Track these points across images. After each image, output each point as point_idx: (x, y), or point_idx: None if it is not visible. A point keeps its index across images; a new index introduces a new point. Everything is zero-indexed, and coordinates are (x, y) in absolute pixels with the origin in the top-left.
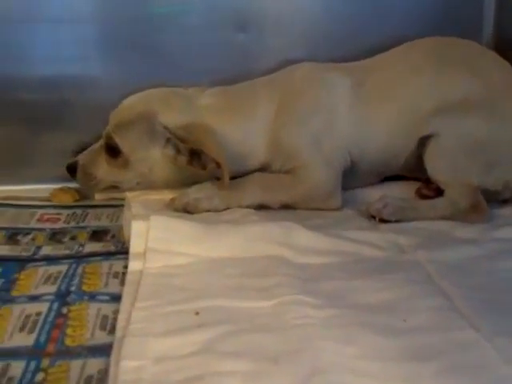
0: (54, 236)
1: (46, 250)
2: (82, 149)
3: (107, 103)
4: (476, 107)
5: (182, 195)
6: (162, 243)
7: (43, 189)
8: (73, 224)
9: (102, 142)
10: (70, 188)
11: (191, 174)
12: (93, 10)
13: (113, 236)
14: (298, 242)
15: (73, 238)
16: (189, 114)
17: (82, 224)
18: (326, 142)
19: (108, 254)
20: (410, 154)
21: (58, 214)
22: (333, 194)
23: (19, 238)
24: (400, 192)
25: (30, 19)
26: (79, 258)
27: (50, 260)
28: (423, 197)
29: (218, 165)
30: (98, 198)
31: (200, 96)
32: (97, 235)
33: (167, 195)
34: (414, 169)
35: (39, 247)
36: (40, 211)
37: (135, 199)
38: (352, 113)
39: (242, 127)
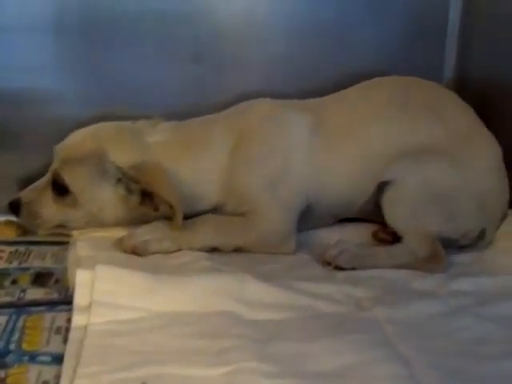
0: None
1: None
2: (29, 180)
3: (59, 122)
4: (437, 154)
5: (130, 236)
6: (108, 296)
7: None
8: (15, 264)
9: (48, 177)
10: (12, 222)
11: (142, 213)
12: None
13: (56, 281)
14: (252, 295)
15: (14, 282)
16: (140, 152)
17: (24, 265)
18: (281, 185)
19: (51, 304)
20: (368, 199)
21: (1, 250)
22: (287, 239)
23: None
24: (356, 234)
25: None
26: (20, 308)
27: None
28: (380, 240)
29: (171, 206)
30: (42, 233)
31: (151, 131)
32: (40, 279)
33: (115, 232)
34: (371, 213)
35: None
36: None
37: (81, 237)
38: (309, 154)
39: (195, 167)
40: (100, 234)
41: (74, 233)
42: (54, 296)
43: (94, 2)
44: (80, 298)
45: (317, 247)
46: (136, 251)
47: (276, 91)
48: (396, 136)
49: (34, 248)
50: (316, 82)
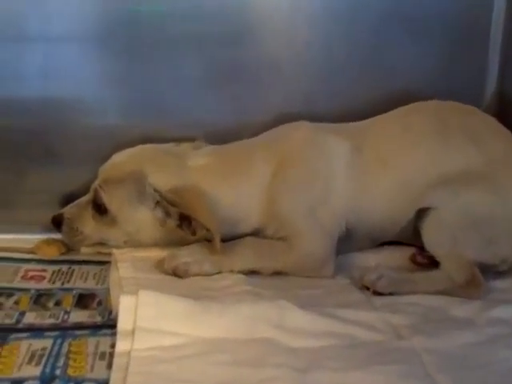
0: (39, 299)
1: (30, 318)
2: (70, 197)
3: (102, 134)
4: (476, 180)
5: (171, 258)
6: (151, 322)
7: (28, 239)
8: (58, 284)
9: (89, 195)
10: (55, 240)
11: (181, 235)
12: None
13: (99, 302)
14: (291, 323)
15: (58, 304)
16: (180, 176)
17: (67, 285)
18: (321, 211)
19: (94, 328)
20: (406, 224)
21: (43, 270)
22: (326, 263)
23: (2, 300)
24: (394, 258)
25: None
26: (64, 331)
27: (34, 331)
28: (418, 264)
29: (209, 231)
30: (85, 251)
31: (192, 155)
32: (83, 300)
33: (156, 252)
34: (409, 236)
35: (23, 313)
36: (24, 266)
37: (122, 257)
38: (349, 180)
39: (236, 191)
40: (140, 253)
41: (115, 252)
42: (98, 319)
43: (139, 19)
44: (124, 324)
45: (355, 270)
46: (177, 273)
47: (315, 111)
48: (435, 163)
49: (75, 267)
50: (354, 103)
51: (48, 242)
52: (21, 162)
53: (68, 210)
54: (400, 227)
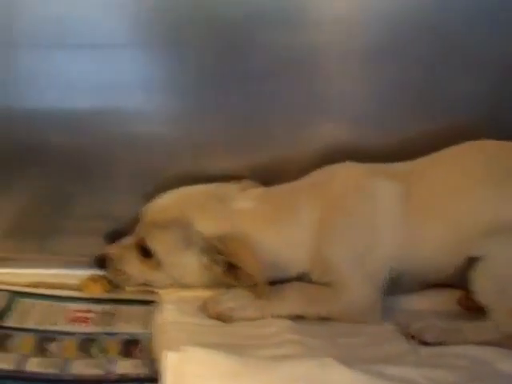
0: (84, 345)
1: (76, 367)
2: (116, 232)
3: (152, 145)
4: None
5: (215, 303)
6: (197, 380)
7: (73, 275)
8: (102, 328)
9: (134, 238)
10: (100, 276)
11: (226, 281)
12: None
13: (142, 350)
14: (337, 382)
15: (103, 351)
16: (226, 222)
17: (111, 329)
18: (368, 257)
19: (138, 381)
20: (455, 270)
21: (88, 310)
22: (372, 310)
23: (47, 346)
24: (441, 301)
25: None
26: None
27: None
28: (465, 307)
29: (255, 280)
30: (129, 289)
31: (238, 197)
32: (127, 347)
33: (202, 292)
34: (457, 281)
35: (68, 360)
36: (71, 306)
37: (168, 297)
38: (398, 227)
39: (282, 236)
40: (186, 293)
41: (161, 292)
42: (141, 370)
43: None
44: (169, 382)
45: (401, 315)
46: (220, 318)
47: (364, 149)
48: (489, 211)
49: (121, 308)
50: (405, 140)
51: (94, 278)
52: (65, 184)
53: (112, 251)
54: (448, 273)
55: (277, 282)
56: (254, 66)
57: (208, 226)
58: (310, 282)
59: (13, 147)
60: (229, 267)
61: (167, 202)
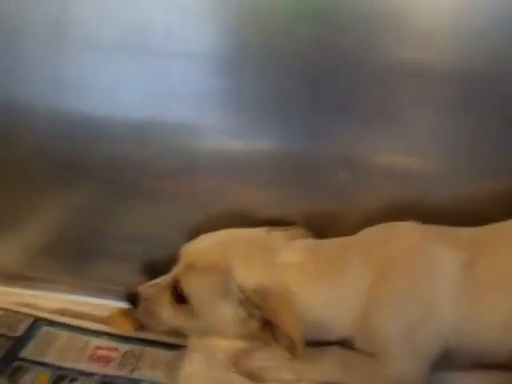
0: None
1: None
2: (154, 265)
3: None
4: None
5: (247, 359)
6: None
7: (104, 306)
8: (126, 371)
9: (169, 279)
10: (131, 312)
11: (261, 338)
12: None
13: None
14: None
15: None
16: (268, 274)
17: (135, 374)
18: (420, 333)
19: None
20: None
21: (114, 348)
22: None
23: None
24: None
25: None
26: None
27: None
28: None
29: (292, 341)
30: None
31: (284, 248)
32: None
33: (236, 342)
34: None
35: None
36: (95, 341)
37: (198, 345)
38: (457, 300)
39: (327, 295)
40: (218, 342)
41: (193, 338)
42: None
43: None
44: None
45: None
46: (251, 377)
47: (428, 209)
48: None
49: (147, 350)
50: (474, 203)
51: (125, 313)
52: (106, 202)
53: (146, 290)
54: (509, 355)
55: (316, 345)
56: None
57: (249, 276)
58: (351, 348)
59: (53, 159)
60: (266, 323)
61: (209, 245)
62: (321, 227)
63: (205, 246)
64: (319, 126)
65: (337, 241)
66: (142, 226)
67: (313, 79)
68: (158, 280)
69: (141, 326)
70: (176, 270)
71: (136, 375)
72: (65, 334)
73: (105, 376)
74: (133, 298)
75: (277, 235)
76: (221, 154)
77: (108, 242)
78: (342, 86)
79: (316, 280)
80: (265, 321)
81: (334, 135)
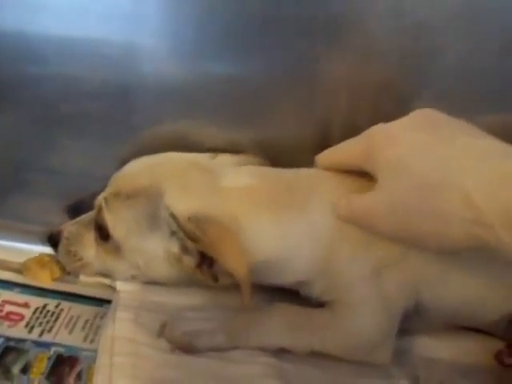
0: (3, 357)
1: None
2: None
3: None
4: None
5: (174, 326)
6: None
7: (19, 251)
8: (36, 333)
9: (94, 212)
10: (50, 259)
11: (198, 279)
12: None
13: (79, 376)
14: None
15: (25, 370)
16: (207, 200)
17: (46, 337)
18: (389, 276)
19: None
20: (502, 317)
21: (25, 304)
22: (381, 345)
23: None
24: (474, 351)
25: None
26: None
27: None
28: (503, 365)
29: (236, 279)
30: (84, 279)
31: (231, 173)
32: (58, 368)
33: (175, 297)
34: (500, 329)
35: None
36: (3, 295)
37: (127, 299)
38: None
39: (283, 229)
40: (153, 297)
41: (120, 290)
42: None
43: None
44: None
45: (420, 365)
46: (180, 346)
47: None
48: None
49: (65, 305)
50: None
51: (42, 261)
52: (38, 131)
53: (68, 228)
54: (491, 318)
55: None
56: None
57: (183, 201)
58: (305, 297)
59: None
60: (204, 260)
61: (137, 169)
62: (275, 158)
63: (133, 170)
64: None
65: (299, 170)
66: (67, 156)
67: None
68: (83, 216)
69: (62, 276)
70: (99, 199)
71: (47, 338)
72: None
73: (9, 339)
74: (53, 239)
75: (223, 159)
76: (161, 78)
77: (28, 176)
78: None
79: (270, 209)
80: (202, 257)
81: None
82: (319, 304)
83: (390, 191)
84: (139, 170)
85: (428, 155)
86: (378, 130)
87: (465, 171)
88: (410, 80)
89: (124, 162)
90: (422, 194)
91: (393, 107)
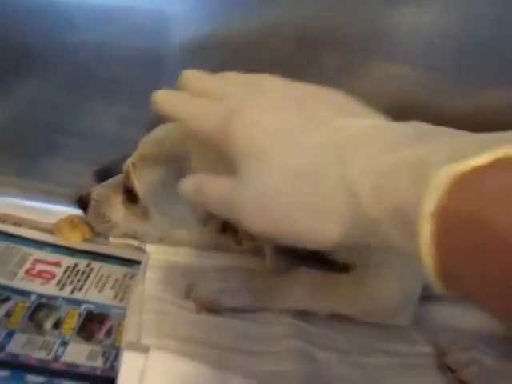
0: (36, 313)
1: (16, 345)
2: (109, 167)
3: None
4: None
5: (200, 286)
6: None
7: (51, 212)
8: (67, 291)
9: (122, 175)
10: (81, 220)
11: (224, 243)
12: None
13: (109, 332)
14: None
15: (57, 325)
16: None
17: (77, 295)
18: None
19: (90, 379)
20: None
21: (57, 263)
22: (404, 308)
23: None
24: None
25: None
26: (51, 377)
27: (14, 371)
28: None
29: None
30: (114, 241)
31: None
32: (89, 324)
33: (198, 260)
34: None
35: (9, 335)
36: (35, 254)
37: (155, 261)
38: None
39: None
40: (179, 258)
41: (149, 252)
42: (98, 363)
43: None
44: None
45: (443, 332)
46: (206, 305)
47: None
48: None
49: (96, 265)
50: None
51: (72, 222)
52: (56, 95)
53: (97, 190)
54: None
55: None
56: None
57: (209, 161)
58: (329, 260)
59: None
60: (228, 223)
61: (165, 133)
62: None
63: (161, 135)
64: None
65: None
66: (98, 120)
67: None
68: (112, 179)
69: (92, 236)
70: (126, 164)
71: (77, 295)
72: (2, 245)
73: (41, 296)
74: (83, 201)
75: None
76: (190, 44)
77: (59, 139)
78: None
79: None
80: (226, 221)
81: None
82: (343, 268)
83: (258, 185)
84: (167, 135)
85: (299, 142)
86: (243, 109)
87: (343, 160)
88: None
89: (153, 126)
90: (297, 188)
91: None
